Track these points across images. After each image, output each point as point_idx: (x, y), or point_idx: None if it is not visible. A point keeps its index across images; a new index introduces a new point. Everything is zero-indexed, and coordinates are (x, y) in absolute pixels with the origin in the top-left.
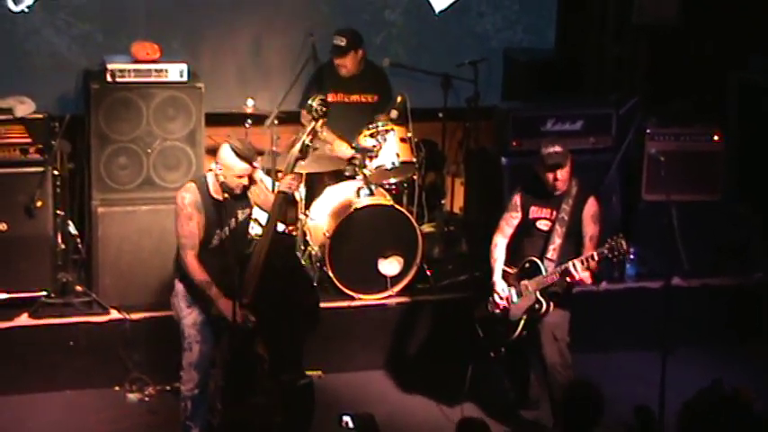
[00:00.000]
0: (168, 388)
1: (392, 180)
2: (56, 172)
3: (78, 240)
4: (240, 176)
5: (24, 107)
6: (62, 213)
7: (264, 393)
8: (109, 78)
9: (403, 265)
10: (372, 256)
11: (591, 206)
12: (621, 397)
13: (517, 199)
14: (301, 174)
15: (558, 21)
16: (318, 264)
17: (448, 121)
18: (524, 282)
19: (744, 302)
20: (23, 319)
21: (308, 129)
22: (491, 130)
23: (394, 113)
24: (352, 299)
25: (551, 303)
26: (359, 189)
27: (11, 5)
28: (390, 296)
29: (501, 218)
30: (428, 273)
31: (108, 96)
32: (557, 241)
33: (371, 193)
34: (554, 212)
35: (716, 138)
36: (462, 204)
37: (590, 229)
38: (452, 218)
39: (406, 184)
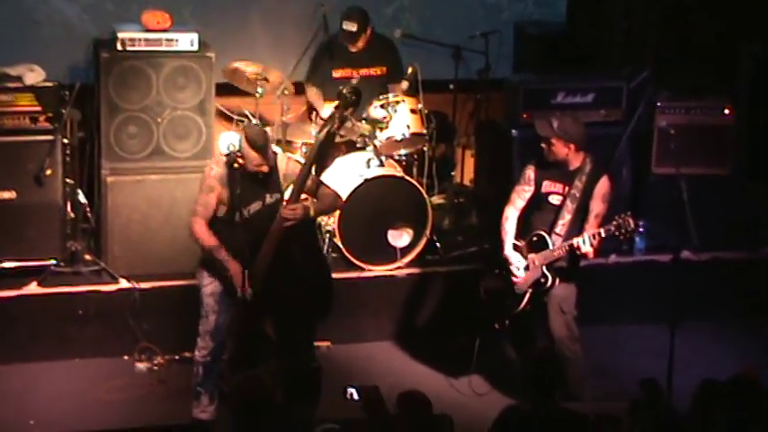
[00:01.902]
0: (177, 357)
1: (402, 151)
2: (65, 140)
3: (88, 209)
4: (256, 165)
5: (34, 75)
6: (71, 182)
7: (267, 373)
8: (119, 47)
9: (413, 236)
10: (382, 227)
11: (603, 185)
12: (630, 370)
13: (530, 172)
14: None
15: None
16: (328, 234)
17: (459, 93)
18: (531, 255)
19: (753, 276)
20: (32, 288)
21: (336, 116)
22: (502, 102)
23: (405, 85)
24: (362, 270)
25: (557, 278)
26: (369, 160)
27: None
28: (400, 267)
29: (512, 190)
30: (438, 244)
31: (118, 65)
32: (566, 217)
33: (382, 165)
34: (566, 188)
35: (726, 111)
36: (472, 176)
37: (597, 206)
38: (462, 190)
39: (416, 156)
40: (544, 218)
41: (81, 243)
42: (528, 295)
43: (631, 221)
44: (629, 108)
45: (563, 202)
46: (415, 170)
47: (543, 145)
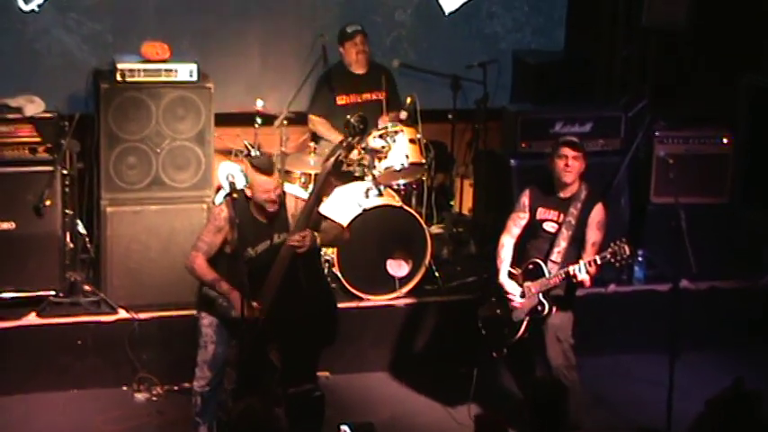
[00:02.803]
0: (176, 388)
1: (401, 181)
2: (65, 171)
3: (87, 240)
4: (266, 191)
5: (34, 106)
6: (71, 212)
7: (272, 401)
8: (118, 78)
9: (411, 266)
10: (381, 256)
11: (598, 212)
12: (630, 400)
13: (525, 199)
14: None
15: (567, 22)
16: (327, 264)
17: (457, 123)
18: (527, 283)
19: (752, 305)
20: (31, 319)
21: (344, 144)
22: (500, 131)
23: (403, 114)
24: (361, 299)
25: (554, 306)
26: (368, 190)
27: (21, 4)
28: (399, 297)
29: (508, 218)
30: (436, 274)
31: (117, 96)
32: (562, 244)
33: (380, 194)
34: (561, 215)
35: (725, 140)
36: (471, 206)
37: (593, 235)
38: (461, 219)
39: (415, 186)
40: (540, 245)
41: (80, 273)
42: (525, 323)
43: (627, 248)
44: (627, 137)
45: (558, 229)
46: (413, 200)
47: (560, 161)
